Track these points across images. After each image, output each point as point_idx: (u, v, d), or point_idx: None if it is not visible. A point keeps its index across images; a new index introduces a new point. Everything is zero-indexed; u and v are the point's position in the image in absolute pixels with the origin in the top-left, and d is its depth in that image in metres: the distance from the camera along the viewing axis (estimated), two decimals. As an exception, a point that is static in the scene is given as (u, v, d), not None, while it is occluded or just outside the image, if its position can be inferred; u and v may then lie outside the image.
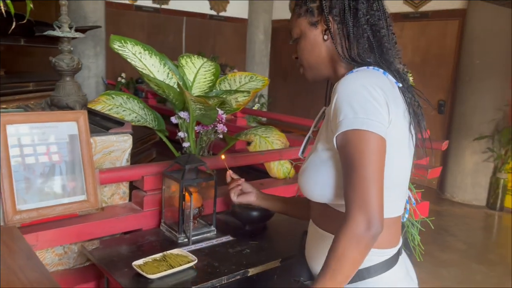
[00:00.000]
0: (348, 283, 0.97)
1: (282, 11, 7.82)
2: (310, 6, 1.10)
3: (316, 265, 1.11)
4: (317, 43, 1.11)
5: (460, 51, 5.39)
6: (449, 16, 5.54)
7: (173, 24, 7.09)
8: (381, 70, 1.04)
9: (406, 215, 1.17)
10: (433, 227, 2.00)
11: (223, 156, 1.61)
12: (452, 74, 5.51)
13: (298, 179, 1.14)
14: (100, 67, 5.78)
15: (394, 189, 1.03)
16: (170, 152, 2.34)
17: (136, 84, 6.47)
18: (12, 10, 1.35)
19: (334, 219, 1.05)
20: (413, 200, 1.20)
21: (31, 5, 1.42)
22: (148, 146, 3.29)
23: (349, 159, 0.93)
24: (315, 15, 1.10)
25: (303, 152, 1.27)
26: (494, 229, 4.87)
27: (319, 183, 1.04)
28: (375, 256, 1.04)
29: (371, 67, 1.04)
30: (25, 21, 1.47)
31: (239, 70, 7.42)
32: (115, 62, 6.45)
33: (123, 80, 6.44)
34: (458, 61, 5.41)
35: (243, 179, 1.52)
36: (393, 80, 1.04)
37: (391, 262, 1.06)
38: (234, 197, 1.50)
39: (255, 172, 2.68)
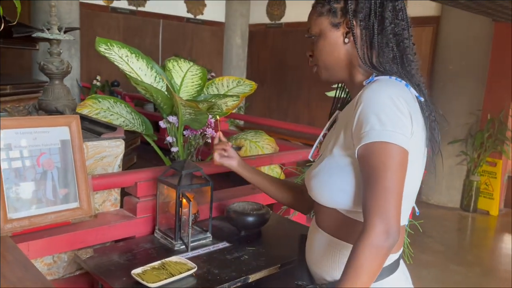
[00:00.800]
0: None
1: (259, 15, 7.85)
2: (333, 6, 1.07)
3: (319, 270, 1.11)
4: (337, 45, 1.08)
5: (434, 58, 5.53)
6: (423, 23, 5.68)
7: (149, 27, 7.01)
8: (403, 82, 1.02)
9: (408, 223, 1.18)
10: (421, 230, 2.04)
11: (218, 117, 1.56)
12: (427, 80, 5.65)
13: (306, 181, 1.14)
14: (75, 70, 5.64)
15: (405, 199, 1.02)
16: (151, 156, 2.30)
17: (111, 87, 6.35)
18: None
19: (343, 225, 1.05)
20: (417, 210, 1.19)
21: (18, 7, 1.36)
22: (128, 151, 3.23)
23: (372, 170, 0.93)
24: (338, 16, 1.07)
25: (312, 154, 1.27)
26: (469, 231, 5.01)
27: (334, 189, 1.03)
28: None
29: (393, 77, 1.02)
30: (2, 22, 1.41)
31: (217, 74, 7.40)
32: (90, 65, 6.32)
33: (98, 83, 6.31)
34: (432, 67, 5.55)
35: (230, 144, 1.47)
36: (415, 93, 1.03)
37: (394, 266, 1.07)
38: (217, 157, 1.42)
39: (236, 176, 2.67)
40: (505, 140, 5.10)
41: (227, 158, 1.43)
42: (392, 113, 0.93)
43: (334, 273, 1.06)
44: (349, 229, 1.04)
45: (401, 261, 1.13)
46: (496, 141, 5.12)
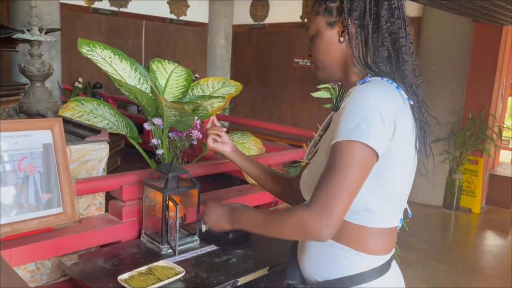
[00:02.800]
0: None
1: (243, 16, 7.84)
2: (329, 6, 1.06)
3: (310, 270, 1.11)
4: (333, 44, 1.07)
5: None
6: (405, 23, 5.75)
7: (132, 28, 6.93)
8: (395, 84, 1.01)
9: (400, 225, 1.16)
10: (407, 229, 2.05)
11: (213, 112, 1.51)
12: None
13: (302, 182, 1.14)
14: (56, 72, 5.47)
15: (394, 202, 1.04)
16: (135, 159, 2.26)
17: (94, 89, 6.26)
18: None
19: None
20: (409, 212, 1.19)
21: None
22: (112, 153, 3.18)
23: (334, 162, 0.93)
24: (334, 15, 1.06)
25: (308, 155, 1.26)
26: (451, 228, 5.09)
27: None
28: (370, 262, 1.04)
29: (385, 79, 1.01)
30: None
31: (201, 75, 7.36)
32: (71, 66, 6.22)
33: (80, 85, 6.21)
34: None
35: (224, 129, 1.43)
36: (405, 96, 1.01)
37: (384, 268, 1.07)
38: (210, 142, 1.39)
39: (227, 179, 2.66)
40: (486, 138, 5.19)
41: (221, 144, 1.40)
42: (370, 114, 0.93)
43: (324, 273, 1.06)
44: (340, 229, 1.02)
45: (394, 263, 1.13)
46: (478, 139, 5.21)
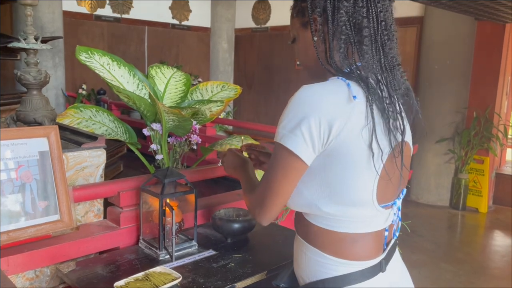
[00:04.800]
0: None
1: (245, 19, 7.85)
2: (300, 6, 1.05)
3: (298, 272, 1.11)
4: (309, 44, 1.05)
5: (419, 58, 5.58)
6: (407, 23, 5.73)
7: (134, 34, 6.97)
8: (347, 81, 0.96)
9: (398, 232, 1.11)
10: (409, 231, 2.03)
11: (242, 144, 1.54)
12: (413, 79, 5.69)
13: None
14: (60, 79, 5.58)
15: (357, 207, 0.98)
16: (138, 164, 2.27)
17: (97, 96, 6.30)
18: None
19: (304, 226, 1.07)
20: (399, 215, 1.11)
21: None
22: (114, 159, 3.19)
23: (270, 163, 1.01)
24: (306, 15, 1.04)
25: None
26: (458, 228, 5.04)
27: (294, 192, 1.04)
28: (342, 266, 1.01)
29: (340, 77, 0.98)
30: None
31: (204, 79, 7.38)
32: (75, 74, 6.26)
33: (84, 92, 6.25)
34: (418, 67, 5.59)
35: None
36: (355, 93, 0.94)
37: (365, 274, 1.01)
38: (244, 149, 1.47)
39: (225, 182, 2.65)
40: (491, 137, 5.15)
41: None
42: (297, 117, 0.94)
43: (309, 274, 1.06)
44: (309, 230, 1.05)
45: (385, 276, 1.05)
46: (483, 138, 5.17)
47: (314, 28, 1.02)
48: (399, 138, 1.00)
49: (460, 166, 5.36)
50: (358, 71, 0.98)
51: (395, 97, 1.01)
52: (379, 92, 0.98)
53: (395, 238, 1.11)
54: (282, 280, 1.17)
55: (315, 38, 1.03)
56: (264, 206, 1.02)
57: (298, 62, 1.43)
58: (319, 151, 0.94)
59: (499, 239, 4.70)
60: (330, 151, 0.94)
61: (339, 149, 0.93)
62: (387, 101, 0.99)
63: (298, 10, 1.07)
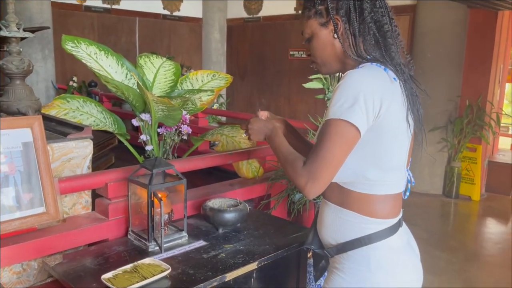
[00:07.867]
0: (352, 249, 1.17)
1: (237, 9, 7.77)
2: (318, 8, 1.21)
3: (326, 235, 1.26)
4: (329, 41, 1.23)
5: (412, 46, 5.55)
6: (399, 12, 5.69)
7: (125, 25, 6.87)
8: (383, 67, 1.15)
9: (408, 193, 1.28)
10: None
11: None
12: (406, 68, 5.66)
13: None
14: (50, 71, 5.50)
15: (391, 171, 1.18)
16: (130, 156, 2.23)
17: (89, 88, 6.22)
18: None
19: (341, 194, 1.21)
20: (413, 180, 1.29)
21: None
22: (106, 151, 3.15)
23: (322, 136, 1.11)
24: (324, 16, 1.21)
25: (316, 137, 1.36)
26: (451, 216, 5.05)
27: None
28: (375, 225, 1.17)
29: (374, 64, 1.15)
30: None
31: (196, 70, 7.30)
32: (65, 65, 6.17)
33: (74, 84, 6.17)
34: (411, 55, 5.55)
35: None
36: (393, 75, 1.15)
37: (390, 231, 1.18)
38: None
39: (219, 173, 2.63)
40: (483, 125, 5.15)
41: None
42: (355, 93, 1.08)
43: (336, 236, 1.21)
44: (346, 196, 1.20)
45: (404, 229, 1.24)
46: (475, 126, 5.17)
47: (339, 27, 1.19)
48: (417, 113, 1.20)
49: (453, 154, 5.36)
50: (386, 58, 1.17)
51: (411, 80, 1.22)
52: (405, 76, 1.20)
53: (405, 198, 1.30)
54: (312, 244, 1.31)
55: (338, 35, 1.20)
56: (317, 178, 1.09)
57: (311, 60, 1.51)
58: (369, 125, 1.10)
59: (492, 227, 4.73)
60: (378, 124, 1.11)
61: (386, 121, 1.11)
62: (410, 84, 1.20)
63: (316, 12, 1.22)
